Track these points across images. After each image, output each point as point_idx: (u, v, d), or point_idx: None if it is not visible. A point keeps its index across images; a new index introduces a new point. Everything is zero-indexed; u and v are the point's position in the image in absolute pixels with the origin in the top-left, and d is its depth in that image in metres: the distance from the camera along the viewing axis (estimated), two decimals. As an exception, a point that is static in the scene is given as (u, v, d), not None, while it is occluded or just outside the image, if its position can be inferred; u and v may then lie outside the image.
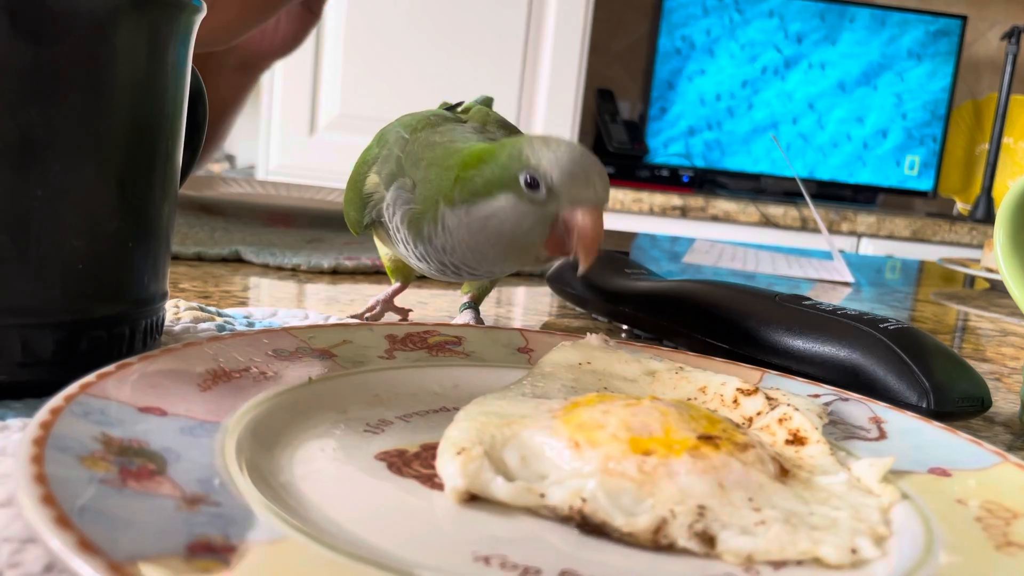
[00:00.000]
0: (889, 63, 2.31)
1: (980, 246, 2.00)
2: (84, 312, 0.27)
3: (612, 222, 1.96)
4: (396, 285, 0.42)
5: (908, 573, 0.19)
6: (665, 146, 2.29)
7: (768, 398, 0.28)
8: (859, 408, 0.30)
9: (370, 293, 0.51)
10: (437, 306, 0.49)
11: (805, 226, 2.01)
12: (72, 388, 0.22)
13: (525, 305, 0.55)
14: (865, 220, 2.04)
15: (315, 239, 0.68)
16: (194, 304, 0.39)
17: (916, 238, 2.06)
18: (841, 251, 1.07)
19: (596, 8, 2.10)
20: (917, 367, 0.33)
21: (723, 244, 1.11)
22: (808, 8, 2.28)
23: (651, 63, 2.31)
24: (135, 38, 0.27)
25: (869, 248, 2.06)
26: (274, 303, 0.47)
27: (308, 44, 0.83)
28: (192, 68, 0.31)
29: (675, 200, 2.02)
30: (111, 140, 0.27)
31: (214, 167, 2.12)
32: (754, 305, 0.39)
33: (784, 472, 0.23)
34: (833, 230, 2.03)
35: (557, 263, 0.51)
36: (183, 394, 0.24)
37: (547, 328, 0.46)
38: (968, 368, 0.35)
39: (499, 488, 0.21)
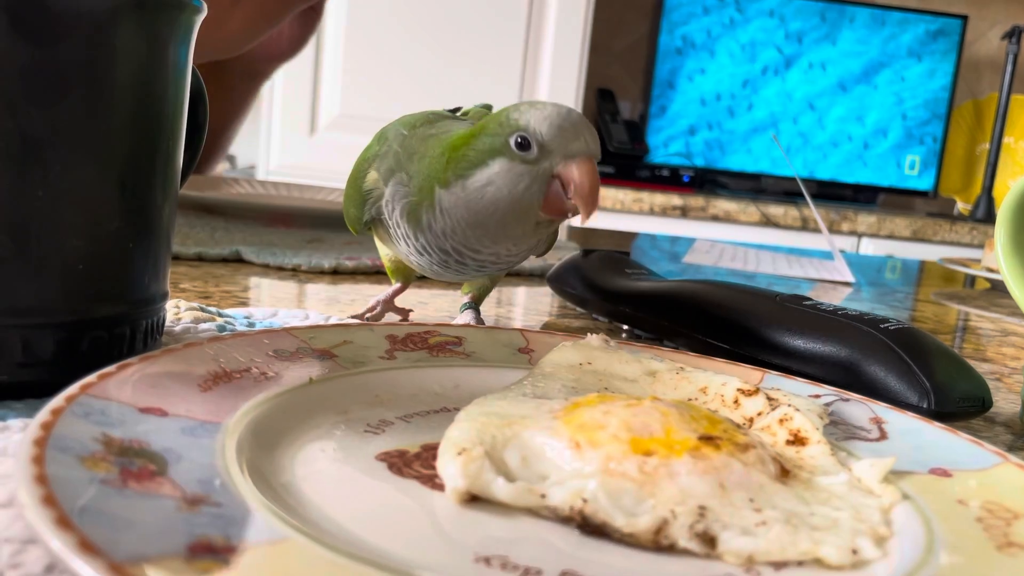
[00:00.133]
0: (889, 61, 2.31)
1: (981, 246, 2.00)
2: (85, 312, 0.27)
3: (612, 222, 1.96)
4: (397, 285, 0.43)
5: (909, 574, 0.19)
6: (665, 145, 2.29)
7: (769, 398, 0.28)
8: (860, 408, 0.30)
9: (371, 293, 0.51)
10: (437, 306, 0.49)
11: (805, 226, 2.01)
12: (73, 389, 0.22)
13: (525, 305, 0.55)
14: (865, 220, 2.04)
15: (316, 239, 0.68)
16: (195, 304, 0.39)
17: (917, 238, 2.06)
18: (841, 251, 1.07)
19: (596, 8, 2.10)
20: (918, 367, 0.33)
21: (723, 244, 1.11)
22: (808, 7, 2.28)
23: (651, 63, 2.31)
24: (135, 38, 0.27)
25: (869, 248, 2.06)
26: (275, 303, 0.47)
27: (308, 44, 0.83)
28: (193, 68, 0.31)
29: (675, 200, 2.02)
30: (111, 140, 0.27)
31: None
32: (755, 305, 0.39)
33: (785, 473, 0.23)
34: (833, 230, 2.03)
35: (555, 243, 0.51)
36: (184, 395, 0.24)
37: (548, 328, 0.46)
38: (969, 368, 0.35)
39: (500, 489, 0.21)
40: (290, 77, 1.91)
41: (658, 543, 0.20)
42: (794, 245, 1.56)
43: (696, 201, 2.02)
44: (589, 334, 0.33)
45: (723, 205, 2.02)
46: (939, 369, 0.33)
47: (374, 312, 0.42)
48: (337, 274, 0.57)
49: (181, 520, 0.17)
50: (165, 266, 0.31)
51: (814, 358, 0.36)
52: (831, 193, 2.37)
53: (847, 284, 0.82)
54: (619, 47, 2.44)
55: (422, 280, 0.54)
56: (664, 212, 2.01)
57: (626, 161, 2.21)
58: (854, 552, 0.20)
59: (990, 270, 0.88)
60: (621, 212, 2.00)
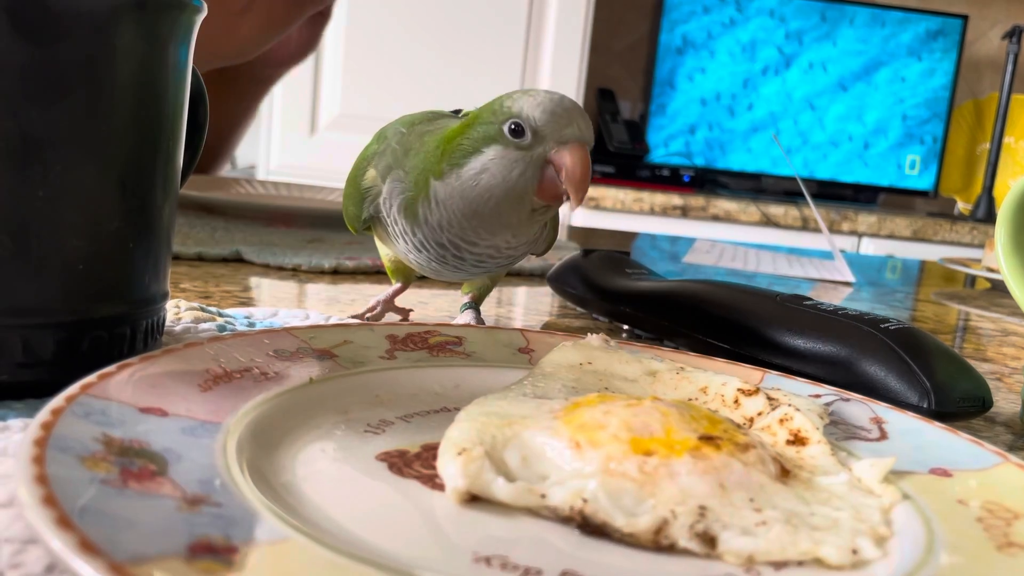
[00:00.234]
0: (889, 61, 2.31)
1: (981, 246, 2.00)
2: (85, 312, 0.27)
3: (612, 222, 1.96)
4: (397, 285, 0.43)
5: (909, 574, 0.19)
6: (665, 144, 2.29)
7: (769, 398, 0.28)
8: (860, 408, 0.30)
9: (371, 293, 0.51)
10: (438, 306, 0.49)
11: (806, 226, 2.01)
12: (73, 389, 0.22)
13: (526, 305, 0.55)
14: (866, 220, 2.04)
15: (316, 239, 0.68)
16: (195, 304, 0.39)
17: (917, 238, 2.05)
18: (842, 251, 1.07)
19: (596, 8, 2.10)
20: (918, 367, 0.33)
21: (724, 244, 1.11)
22: (808, 7, 2.28)
23: (651, 62, 2.31)
24: (135, 38, 0.27)
25: (870, 248, 2.06)
26: (275, 303, 0.47)
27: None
28: (193, 69, 0.31)
29: (675, 200, 2.01)
30: (112, 140, 0.27)
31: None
32: (755, 305, 0.39)
33: (785, 472, 0.23)
34: (834, 230, 2.03)
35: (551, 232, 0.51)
36: (184, 395, 0.24)
37: (548, 328, 0.46)
38: (969, 368, 0.35)
39: (500, 489, 0.21)
40: (290, 77, 1.90)
41: (658, 543, 0.20)
42: (794, 245, 1.56)
43: (696, 201, 2.02)
44: (589, 334, 0.33)
45: (723, 205, 2.02)
46: (939, 369, 0.33)
47: (374, 312, 0.42)
48: (337, 274, 0.57)
49: (181, 520, 0.17)
50: (165, 266, 0.31)
51: (814, 358, 0.36)
52: (831, 193, 2.37)
53: (847, 284, 0.82)
54: (619, 47, 2.44)
55: (422, 280, 0.54)
56: (664, 212, 2.01)
57: (626, 161, 2.21)
58: (854, 552, 0.20)
59: (990, 270, 0.88)
60: (621, 212, 2.00)
